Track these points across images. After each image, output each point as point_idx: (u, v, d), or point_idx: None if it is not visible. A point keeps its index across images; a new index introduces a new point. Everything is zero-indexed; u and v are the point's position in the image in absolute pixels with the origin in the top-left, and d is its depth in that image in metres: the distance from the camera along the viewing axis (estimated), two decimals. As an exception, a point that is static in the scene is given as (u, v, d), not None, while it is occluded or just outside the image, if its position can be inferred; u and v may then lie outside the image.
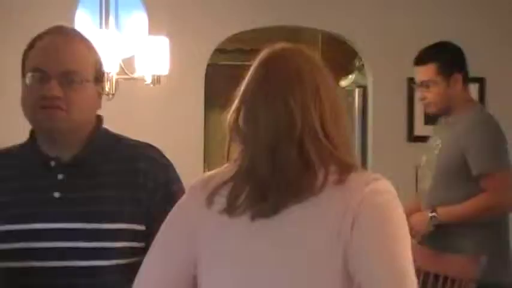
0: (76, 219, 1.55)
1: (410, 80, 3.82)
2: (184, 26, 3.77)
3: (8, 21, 3.65)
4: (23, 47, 1.58)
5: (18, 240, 1.52)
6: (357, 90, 4.50)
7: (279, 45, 1.42)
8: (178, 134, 3.80)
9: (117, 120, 3.68)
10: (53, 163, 1.57)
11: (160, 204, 1.60)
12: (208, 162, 5.80)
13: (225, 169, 1.36)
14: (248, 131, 1.32)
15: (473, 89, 3.98)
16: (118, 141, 1.69)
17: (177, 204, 1.43)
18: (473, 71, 4.06)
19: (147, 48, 2.77)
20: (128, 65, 2.85)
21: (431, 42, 3.94)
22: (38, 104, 1.54)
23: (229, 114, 1.36)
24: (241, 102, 1.35)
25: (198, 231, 1.34)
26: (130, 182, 1.61)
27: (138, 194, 1.61)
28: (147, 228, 1.58)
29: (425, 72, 2.70)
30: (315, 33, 5.24)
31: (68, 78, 1.54)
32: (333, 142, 1.29)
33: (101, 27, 2.72)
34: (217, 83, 5.87)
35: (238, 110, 1.35)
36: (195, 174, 4.50)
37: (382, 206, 1.25)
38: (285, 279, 1.27)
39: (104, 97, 2.78)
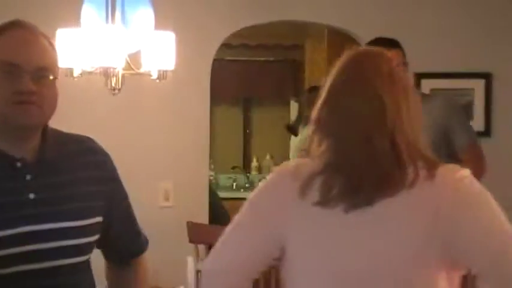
0: (56, 219, 1.54)
1: (418, 75, 3.83)
2: (190, 21, 3.77)
3: (12, 17, 3.65)
4: None
5: (5, 247, 1.48)
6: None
7: (364, 48, 1.57)
8: (184, 129, 3.80)
9: (123, 115, 3.71)
10: (19, 164, 1.53)
11: (117, 193, 1.68)
12: (214, 157, 5.82)
13: (308, 161, 1.43)
14: (340, 124, 1.40)
15: (480, 84, 3.98)
16: (65, 137, 1.67)
17: (262, 190, 1.48)
18: (479, 66, 4.06)
19: (153, 44, 2.77)
20: (134, 60, 2.85)
21: (437, 37, 3.95)
22: (12, 99, 1.47)
23: (316, 109, 1.44)
24: (330, 96, 1.43)
25: (289, 219, 1.41)
26: (94, 176, 1.63)
27: (102, 187, 1.64)
28: (104, 219, 1.63)
29: (397, 55, 2.80)
30: (321, 28, 5.23)
31: (40, 74, 1.50)
32: (417, 140, 1.40)
33: (107, 22, 2.72)
34: (223, 78, 5.90)
35: (326, 104, 1.43)
36: (201, 168, 4.51)
37: (475, 192, 1.37)
38: (381, 269, 1.35)
39: (110, 92, 2.81)
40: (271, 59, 6.41)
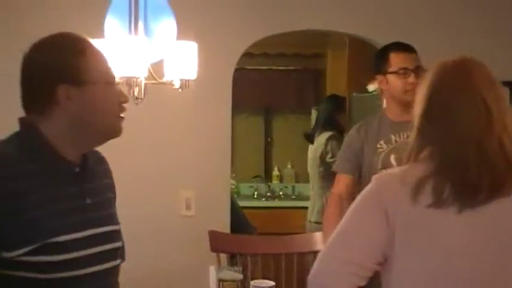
0: (106, 223, 1.64)
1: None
2: (212, 31, 3.79)
3: (39, 30, 3.70)
4: None
5: (75, 249, 1.53)
6: (384, 94, 4.47)
7: (460, 57, 1.60)
8: (207, 138, 3.82)
9: (145, 124, 3.74)
10: (77, 169, 1.61)
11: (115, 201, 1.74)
12: (235, 166, 5.83)
13: (410, 167, 1.50)
14: (445, 130, 1.48)
15: (504, 92, 3.94)
16: None
17: (369, 197, 1.53)
18: (504, 75, 4.03)
19: (176, 53, 2.79)
20: (156, 70, 2.87)
21: (461, 46, 3.93)
22: (118, 112, 1.59)
23: (417, 118, 1.53)
24: (431, 104, 1.52)
25: (402, 223, 1.46)
26: (109, 184, 1.74)
27: (113, 195, 1.74)
28: None
29: (417, 60, 2.86)
30: (342, 37, 5.23)
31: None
32: None
33: (130, 33, 2.75)
34: (244, 87, 5.91)
35: (427, 112, 1.52)
36: (222, 177, 4.51)
37: None
38: (501, 267, 1.43)
39: (133, 101, 2.83)
40: (293, 68, 6.42)
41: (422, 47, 3.90)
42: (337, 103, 4.83)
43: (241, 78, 4.40)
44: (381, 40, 3.99)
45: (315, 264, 1.52)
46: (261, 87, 6.32)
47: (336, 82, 5.83)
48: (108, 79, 1.60)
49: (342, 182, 2.95)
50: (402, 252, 1.47)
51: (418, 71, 2.84)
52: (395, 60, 2.91)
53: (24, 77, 1.58)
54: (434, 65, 1.62)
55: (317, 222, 4.47)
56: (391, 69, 2.91)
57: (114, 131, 1.62)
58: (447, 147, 1.48)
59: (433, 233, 1.46)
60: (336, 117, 4.74)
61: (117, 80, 2.74)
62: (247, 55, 4.77)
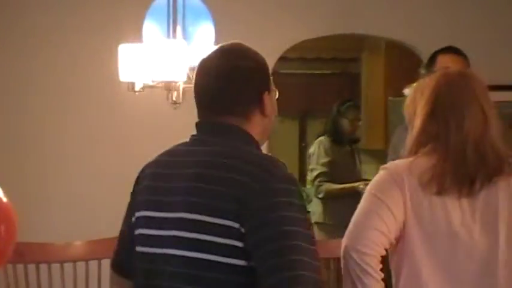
0: None
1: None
2: (250, 34, 3.78)
3: (78, 33, 3.76)
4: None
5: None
6: (421, 99, 4.44)
7: (459, 70, 1.92)
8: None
9: (184, 128, 3.74)
10: None
11: None
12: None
13: (415, 160, 1.73)
14: (450, 128, 1.73)
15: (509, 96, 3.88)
16: None
17: (382, 184, 1.74)
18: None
19: (213, 58, 2.80)
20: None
21: (496, 50, 3.88)
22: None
23: (420, 119, 1.76)
24: (436, 105, 1.76)
25: (413, 206, 1.70)
26: None
27: None
28: None
29: (464, 64, 2.91)
30: (378, 41, 5.20)
31: None
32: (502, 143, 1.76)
33: (168, 37, 2.77)
34: (280, 91, 5.90)
35: (432, 116, 1.75)
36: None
37: None
38: (495, 245, 1.70)
39: (172, 106, 2.86)
40: (328, 72, 6.40)
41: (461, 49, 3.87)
42: (340, 108, 4.62)
43: (277, 82, 4.40)
44: (417, 44, 3.97)
45: (348, 236, 1.71)
46: (296, 91, 6.31)
47: (372, 86, 5.80)
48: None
49: None
50: (412, 233, 1.70)
51: None
52: (441, 61, 2.98)
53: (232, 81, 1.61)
54: (437, 73, 1.85)
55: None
56: (435, 69, 2.93)
57: (269, 135, 1.68)
58: (450, 144, 1.73)
59: (438, 216, 1.70)
60: (337, 122, 4.62)
61: (155, 83, 2.78)
62: (283, 59, 4.77)
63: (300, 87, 6.34)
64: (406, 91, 5.03)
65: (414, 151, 1.77)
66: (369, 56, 5.90)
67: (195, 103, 1.66)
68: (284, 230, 1.43)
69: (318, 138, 4.73)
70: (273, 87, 1.67)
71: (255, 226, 1.44)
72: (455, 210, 1.71)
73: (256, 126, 1.60)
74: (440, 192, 1.70)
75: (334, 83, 6.43)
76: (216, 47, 1.70)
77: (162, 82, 2.74)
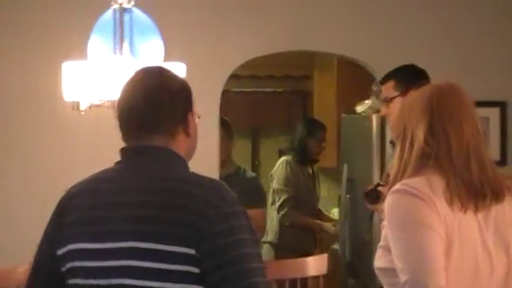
0: None
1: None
2: (201, 52, 3.72)
3: (20, 48, 3.63)
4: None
5: None
6: (374, 116, 4.42)
7: (444, 81, 1.83)
8: (194, 159, 3.72)
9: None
10: None
11: None
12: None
13: (429, 177, 1.70)
14: (450, 141, 1.71)
15: (494, 112, 3.90)
16: None
17: (418, 205, 1.67)
18: (494, 95, 3.99)
19: (163, 75, 2.70)
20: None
21: (452, 66, 3.89)
22: None
23: (420, 135, 1.73)
24: (433, 119, 1.73)
25: (448, 226, 1.67)
26: None
27: None
28: None
29: (385, 90, 2.96)
30: (330, 59, 5.18)
31: None
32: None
33: (115, 53, 2.67)
34: (231, 109, 5.84)
35: (429, 129, 1.72)
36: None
37: None
38: (507, 258, 1.72)
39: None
40: (280, 89, 6.36)
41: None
42: (309, 127, 4.61)
43: (228, 100, 4.33)
44: (369, 61, 3.95)
45: (408, 269, 1.63)
46: (248, 109, 6.25)
47: (323, 103, 5.78)
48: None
49: None
50: (453, 250, 1.66)
51: (384, 102, 3.01)
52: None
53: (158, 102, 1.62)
54: (426, 87, 1.83)
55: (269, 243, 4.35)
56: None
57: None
58: (453, 158, 1.71)
59: (465, 235, 1.68)
60: (305, 142, 4.54)
61: (102, 102, 2.67)
62: (235, 77, 4.71)
63: (252, 105, 6.29)
64: (359, 108, 5.06)
65: (418, 168, 1.73)
66: (321, 73, 5.88)
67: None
68: (238, 254, 1.47)
69: (280, 157, 4.65)
70: (195, 110, 1.68)
71: (210, 251, 1.47)
72: (476, 226, 1.70)
73: (181, 146, 1.62)
74: (462, 207, 1.69)
75: (286, 100, 6.40)
76: (141, 69, 1.72)
77: (108, 101, 2.64)
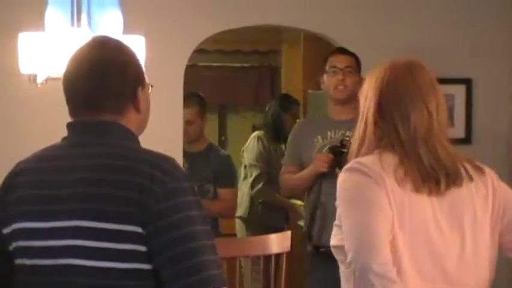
0: None
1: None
2: (162, 25, 3.65)
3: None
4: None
5: None
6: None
7: (405, 58, 1.79)
8: (157, 136, 3.63)
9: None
10: None
11: None
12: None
13: (381, 156, 1.68)
14: (397, 124, 1.69)
15: (460, 89, 3.91)
16: None
17: (366, 182, 1.66)
18: (459, 72, 3.99)
19: (122, 48, 2.64)
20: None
21: (417, 41, 3.87)
22: None
23: (367, 114, 1.71)
24: (382, 99, 1.71)
25: (396, 204, 1.65)
26: None
27: None
28: None
29: (349, 60, 3.20)
30: (297, 34, 5.14)
31: None
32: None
33: (72, 25, 2.59)
34: (198, 84, 5.78)
35: (378, 109, 1.70)
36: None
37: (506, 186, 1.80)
38: (461, 239, 1.70)
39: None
40: (247, 64, 6.32)
41: (376, 42, 3.84)
42: (283, 103, 4.57)
43: (195, 75, 4.28)
44: (335, 36, 3.91)
45: (359, 254, 1.62)
46: (215, 84, 6.19)
47: (291, 79, 5.75)
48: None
49: (287, 172, 3.34)
50: (396, 232, 1.65)
51: (346, 70, 3.20)
52: (330, 61, 3.25)
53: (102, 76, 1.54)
54: (384, 64, 1.78)
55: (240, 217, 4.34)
56: (326, 69, 3.27)
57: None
58: (403, 141, 1.69)
59: (416, 213, 1.67)
60: (280, 118, 4.47)
61: (59, 76, 2.60)
62: (201, 51, 4.64)
63: (219, 80, 6.24)
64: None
65: (372, 147, 1.72)
66: (288, 49, 5.84)
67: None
68: (186, 231, 1.43)
69: (253, 132, 4.61)
70: (147, 82, 1.60)
71: (157, 229, 1.42)
72: (429, 208, 1.69)
73: (131, 122, 1.55)
74: (416, 189, 1.67)
75: (253, 76, 6.36)
76: (88, 39, 1.65)
77: (66, 74, 2.56)
